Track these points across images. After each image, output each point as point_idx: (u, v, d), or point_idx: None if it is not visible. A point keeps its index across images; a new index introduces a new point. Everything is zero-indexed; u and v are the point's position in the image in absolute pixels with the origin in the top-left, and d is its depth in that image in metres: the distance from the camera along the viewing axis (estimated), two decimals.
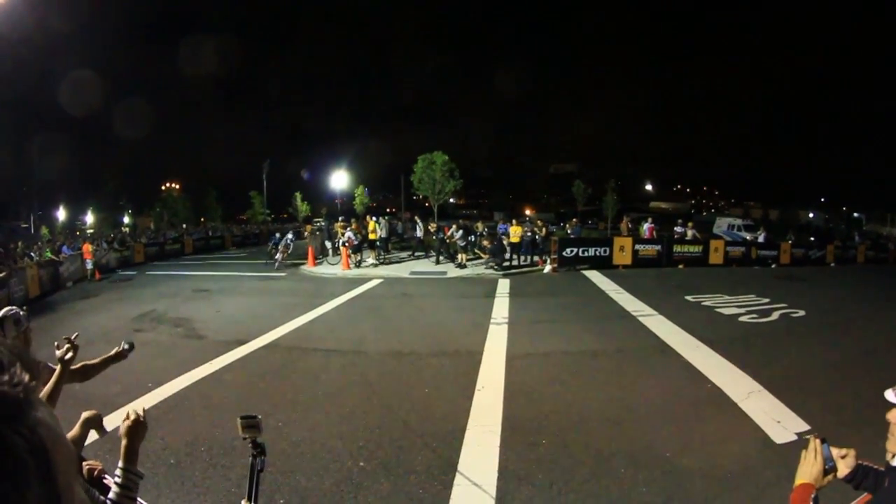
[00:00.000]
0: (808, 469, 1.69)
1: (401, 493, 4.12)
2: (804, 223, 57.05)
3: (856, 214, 58.34)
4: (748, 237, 26.98)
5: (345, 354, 7.96)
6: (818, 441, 1.71)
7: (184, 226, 45.21)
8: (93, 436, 2.81)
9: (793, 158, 71.99)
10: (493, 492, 4.10)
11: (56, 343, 2.55)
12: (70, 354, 2.50)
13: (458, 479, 4.29)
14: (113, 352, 2.87)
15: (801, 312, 11.00)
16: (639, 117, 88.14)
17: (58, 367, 2.47)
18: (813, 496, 1.61)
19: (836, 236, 30.45)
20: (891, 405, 1.59)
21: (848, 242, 26.86)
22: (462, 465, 4.48)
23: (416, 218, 23.64)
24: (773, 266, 20.53)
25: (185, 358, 7.35)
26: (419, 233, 21.39)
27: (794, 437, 5.08)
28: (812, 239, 28.71)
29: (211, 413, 5.53)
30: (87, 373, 2.80)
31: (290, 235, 20.68)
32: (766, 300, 12.06)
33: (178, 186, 57.44)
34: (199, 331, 9.16)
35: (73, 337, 2.55)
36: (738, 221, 35.50)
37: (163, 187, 57.44)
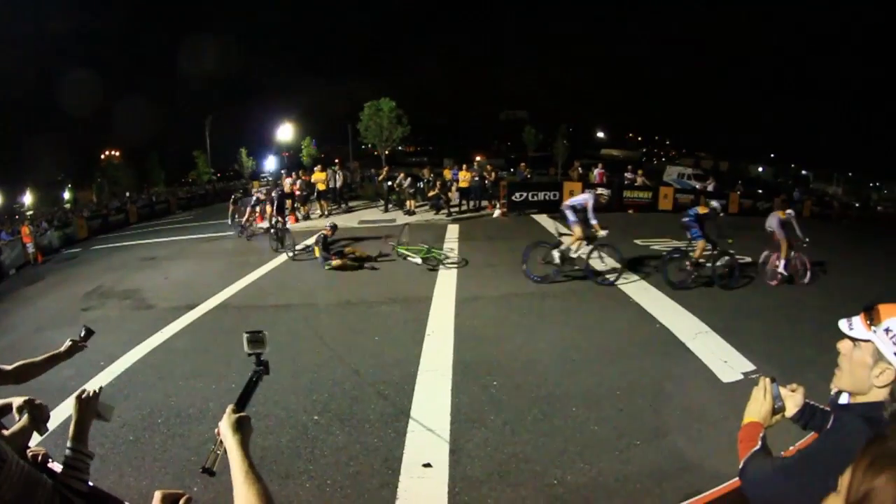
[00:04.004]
0: (756, 408, 1.67)
1: (356, 443, 4.10)
2: (753, 176, 58.89)
3: (804, 172, 60.53)
4: (697, 186, 27.38)
5: (295, 308, 7.88)
6: (768, 380, 1.69)
7: (126, 194, 43.17)
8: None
9: (745, 112, 73.42)
10: (447, 435, 4.14)
11: None
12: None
13: (411, 425, 4.31)
14: (63, 347, 2.47)
15: (747, 259, 11.36)
16: (592, 64, 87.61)
17: None
18: (761, 435, 1.59)
19: (783, 191, 31.55)
20: (842, 335, 1.56)
21: (796, 197, 27.87)
22: (415, 411, 4.49)
23: (373, 170, 23.12)
24: (722, 215, 21.02)
25: (136, 330, 7.09)
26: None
27: (741, 377, 5.28)
28: (760, 191, 29.60)
29: (165, 383, 5.38)
30: (26, 373, 2.33)
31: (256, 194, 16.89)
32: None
33: (118, 154, 54.50)
34: (148, 300, 8.83)
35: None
36: (689, 171, 35.56)
37: (102, 156, 54.40)
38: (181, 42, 62.06)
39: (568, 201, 9.15)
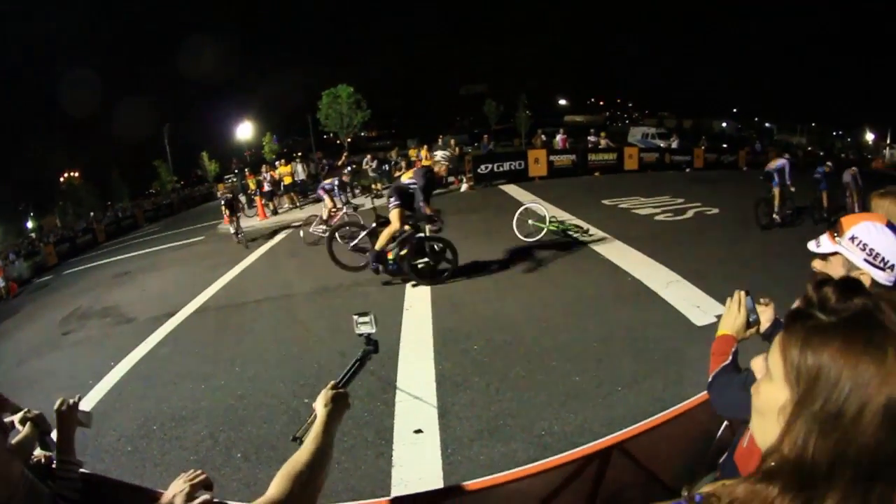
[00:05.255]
0: (730, 321, 1.68)
1: (348, 419, 4.12)
2: (717, 132, 59.81)
3: (767, 125, 61.62)
4: (662, 144, 27.79)
5: (274, 301, 7.91)
6: (742, 293, 1.69)
7: (91, 214, 42.13)
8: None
9: (706, 68, 73.99)
10: (434, 401, 4.27)
11: None
12: None
13: (399, 395, 4.41)
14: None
15: (715, 210, 11.70)
16: (548, 31, 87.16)
17: None
18: (733, 349, 1.60)
19: (747, 143, 32.18)
20: (814, 255, 1.62)
21: (757, 148, 28.44)
22: (401, 381, 4.60)
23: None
24: (688, 170, 21.56)
25: (120, 345, 7.05)
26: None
27: (714, 319, 5.46)
28: (724, 146, 30.13)
29: (155, 391, 5.39)
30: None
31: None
32: (681, 200, 12.76)
33: (77, 175, 52.97)
34: (127, 314, 8.76)
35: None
36: (652, 130, 35.88)
37: (62, 179, 52.81)
38: (128, 52, 60.26)
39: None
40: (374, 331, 1.70)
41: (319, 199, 12.88)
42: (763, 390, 0.73)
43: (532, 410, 4.06)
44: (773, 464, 0.67)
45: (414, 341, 5.53)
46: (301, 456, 1.15)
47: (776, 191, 10.08)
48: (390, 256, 7.38)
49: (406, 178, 7.41)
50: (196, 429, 4.42)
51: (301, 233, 11.51)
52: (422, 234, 7.47)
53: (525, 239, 9.31)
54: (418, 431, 3.91)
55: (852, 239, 1.53)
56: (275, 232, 14.35)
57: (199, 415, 4.66)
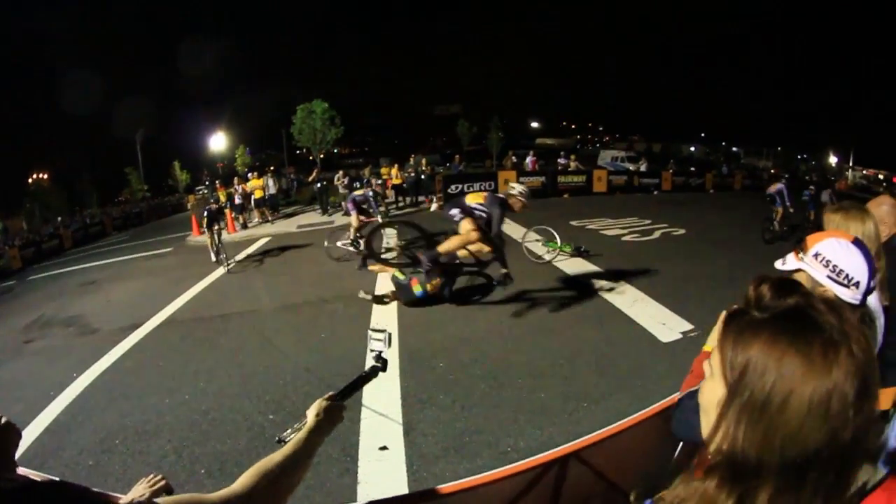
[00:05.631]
0: (716, 336, 1.69)
1: None
2: (686, 155, 61.43)
3: (734, 149, 63.53)
4: (631, 167, 28.36)
5: (240, 316, 7.83)
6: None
7: (59, 219, 41.02)
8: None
9: (676, 95, 76.20)
10: (399, 418, 4.28)
11: None
12: None
13: (364, 412, 4.41)
14: None
15: (681, 231, 12.01)
16: (522, 58, 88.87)
17: None
18: None
19: (714, 167, 33.11)
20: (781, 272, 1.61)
21: (724, 171, 29.28)
22: (366, 398, 4.58)
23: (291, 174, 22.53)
24: (656, 192, 22.06)
25: (83, 356, 6.87)
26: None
27: (680, 336, 5.63)
28: (692, 169, 30.90)
29: (118, 404, 5.27)
30: None
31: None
32: (648, 221, 13.08)
33: (46, 177, 51.59)
34: (92, 325, 8.55)
35: None
36: (622, 153, 36.59)
37: (30, 180, 51.32)
38: (107, 56, 59.32)
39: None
40: (386, 349, 1.70)
41: (288, 216, 12.60)
42: (705, 388, 0.75)
43: (498, 427, 4.10)
44: (710, 458, 0.69)
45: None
46: (275, 456, 1.15)
47: (779, 210, 11.49)
48: (416, 287, 6.95)
49: (474, 200, 6.80)
50: (159, 444, 4.35)
51: (326, 242, 11.04)
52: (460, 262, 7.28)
53: (537, 260, 9.32)
54: (384, 448, 3.92)
55: (816, 255, 1.53)
56: (244, 246, 14.18)
57: (162, 429, 4.58)
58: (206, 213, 12.20)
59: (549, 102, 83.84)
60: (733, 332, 0.69)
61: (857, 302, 1.48)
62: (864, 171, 47.11)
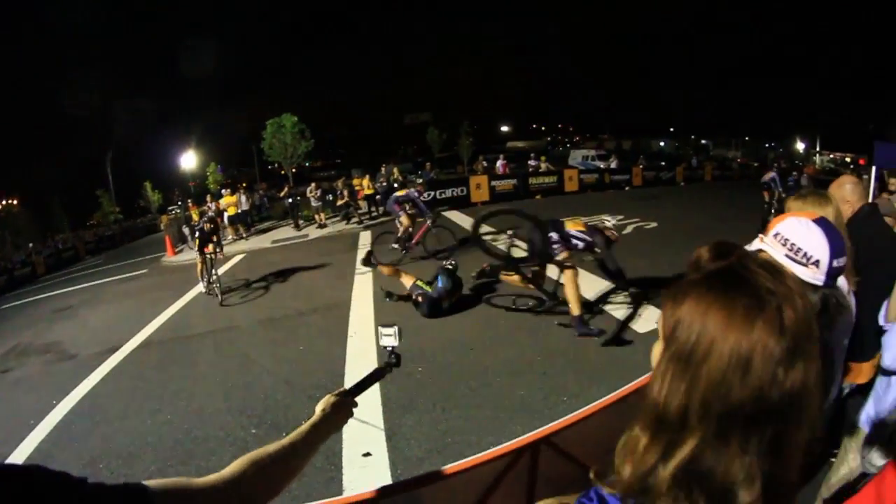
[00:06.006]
0: None
1: None
2: (655, 150, 62.54)
3: (703, 141, 64.80)
4: (601, 165, 28.73)
5: (218, 333, 7.82)
6: None
7: (30, 245, 40.09)
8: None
9: (641, 92, 77.43)
10: (381, 424, 4.32)
11: None
12: None
13: None
14: None
15: (654, 224, 12.23)
16: (491, 61, 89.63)
17: None
18: None
19: (684, 160, 33.77)
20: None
21: (694, 164, 29.90)
22: None
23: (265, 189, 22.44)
24: (627, 188, 22.43)
25: (62, 382, 6.78)
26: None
27: (655, 326, 5.72)
28: (663, 163, 31.43)
29: (100, 428, 5.22)
30: None
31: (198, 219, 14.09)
32: (621, 216, 13.26)
33: (15, 202, 50.40)
34: (69, 351, 8.43)
35: None
36: (592, 152, 37.14)
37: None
38: (70, 76, 58.31)
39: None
40: (397, 343, 1.66)
41: (262, 232, 12.34)
42: (654, 349, 0.76)
43: (479, 426, 4.16)
44: (643, 410, 0.71)
45: (358, 367, 5.57)
46: (270, 447, 1.12)
47: (776, 193, 12.36)
48: (444, 302, 7.02)
49: (574, 227, 6.21)
50: (144, 465, 4.33)
51: (369, 247, 10.43)
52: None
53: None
54: (367, 454, 3.96)
55: (776, 235, 1.55)
56: (219, 263, 14.05)
57: (146, 451, 4.56)
58: (197, 233, 10.66)
59: (517, 106, 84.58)
60: (671, 293, 0.72)
61: (819, 283, 1.49)
62: (832, 155, 48.58)
